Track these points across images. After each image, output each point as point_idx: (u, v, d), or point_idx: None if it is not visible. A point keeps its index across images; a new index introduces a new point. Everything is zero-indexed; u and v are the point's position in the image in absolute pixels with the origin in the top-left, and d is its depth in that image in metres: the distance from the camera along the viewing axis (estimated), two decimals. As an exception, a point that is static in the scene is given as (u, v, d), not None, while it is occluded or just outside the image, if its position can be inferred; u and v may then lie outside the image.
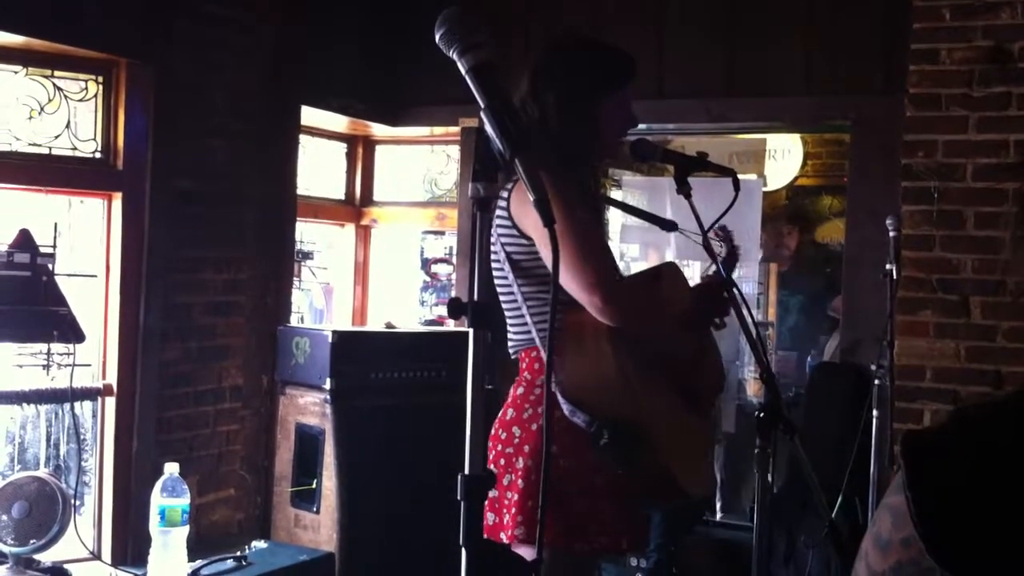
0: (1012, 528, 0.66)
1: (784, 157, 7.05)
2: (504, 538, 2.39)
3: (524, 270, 2.42)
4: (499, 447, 2.45)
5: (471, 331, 1.53)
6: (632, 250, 6.01)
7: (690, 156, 2.58)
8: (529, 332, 2.45)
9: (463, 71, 1.59)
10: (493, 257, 2.46)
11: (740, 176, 2.58)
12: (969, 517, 0.67)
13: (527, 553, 2.40)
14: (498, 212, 2.41)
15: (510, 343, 2.53)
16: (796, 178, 7.18)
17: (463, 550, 1.52)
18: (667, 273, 2.68)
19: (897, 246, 3.78)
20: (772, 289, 7.00)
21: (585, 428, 2.30)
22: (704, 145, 4.68)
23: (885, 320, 3.81)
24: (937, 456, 0.72)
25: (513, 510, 2.38)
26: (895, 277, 3.77)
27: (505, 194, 2.40)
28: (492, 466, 2.41)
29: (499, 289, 2.48)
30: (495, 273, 2.46)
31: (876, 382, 3.87)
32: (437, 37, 1.59)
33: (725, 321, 2.61)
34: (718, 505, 5.55)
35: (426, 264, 5.64)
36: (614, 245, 5.74)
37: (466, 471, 1.52)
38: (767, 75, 4.63)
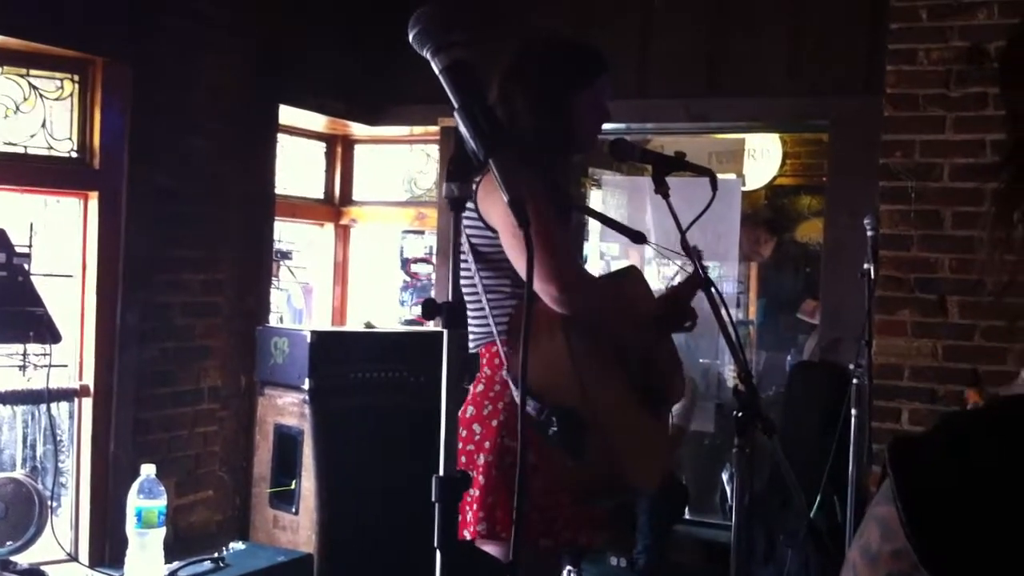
0: (1006, 538, 0.65)
1: (763, 157, 7.06)
2: (467, 535, 2.39)
3: (489, 261, 2.43)
4: (460, 444, 2.45)
5: (446, 331, 1.53)
6: (612, 249, 6.01)
7: (668, 156, 2.59)
8: (489, 326, 2.44)
9: (436, 71, 1.58)
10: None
11: (719, 176, 2.59)
12: (962, 527, 0.66)
13: (492, 549, 2.40)
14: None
15: (471, 338, 2.51)
16: (775, 178, 7.19)
17: (438, 552, 1.51)
18: (631, 276, 2.71)
19: (875, 245, 3.79)
20: (753, 288, 7.02)
21: (535, 416, 2.31)
22: (683, 144, 4.70)
23: (863, 319, 3.82)
24: (927, 464, 0.70)
25: (475, 507, 2.39)
26: (873, 276, 3.77)
27: (473, 186, 2.40)
28: None
29: (463, 282, 2.47)
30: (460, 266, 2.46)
31: (854, 381, 3.87)
32: (411, 36, 1.57)
33: (694, 323, 2.67)
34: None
35: (406, 264, 5.63)
36: (594, 243, 5.74)
37: (441, 472, 1.51)
38: (747, 75, 4.64)
